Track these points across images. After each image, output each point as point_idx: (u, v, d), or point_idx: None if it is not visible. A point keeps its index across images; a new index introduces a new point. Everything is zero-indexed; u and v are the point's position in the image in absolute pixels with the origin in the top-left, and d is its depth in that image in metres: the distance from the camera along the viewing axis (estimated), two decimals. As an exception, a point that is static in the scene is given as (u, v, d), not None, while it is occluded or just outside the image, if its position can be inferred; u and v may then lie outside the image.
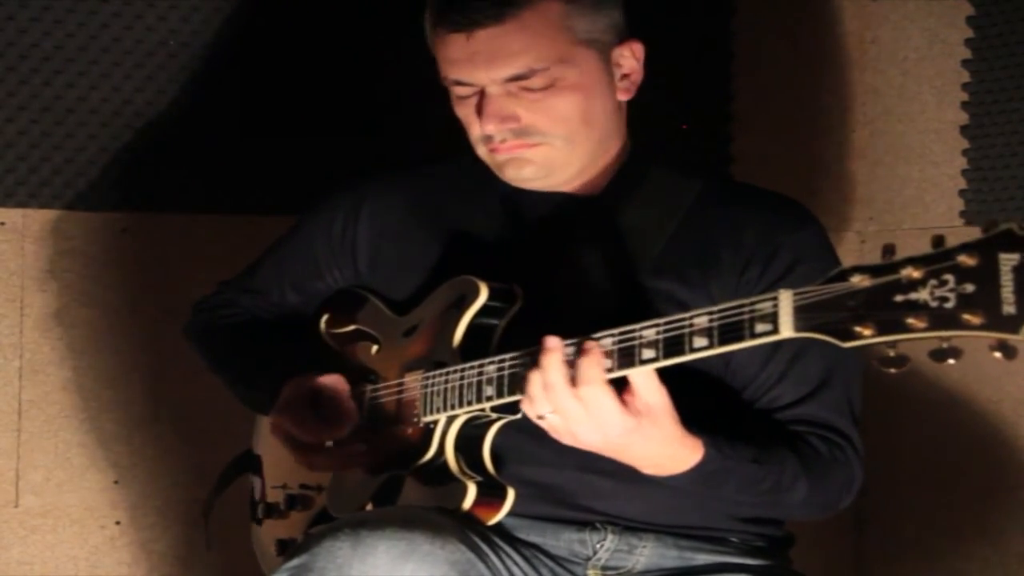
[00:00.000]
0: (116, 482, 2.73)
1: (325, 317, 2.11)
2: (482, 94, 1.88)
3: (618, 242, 1.92)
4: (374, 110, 2.76)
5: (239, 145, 2.71)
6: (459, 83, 1.90)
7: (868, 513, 3.00)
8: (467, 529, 1.78)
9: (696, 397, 1.70)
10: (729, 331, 1.51)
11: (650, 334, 1.58)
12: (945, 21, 2.87)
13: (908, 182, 2.97)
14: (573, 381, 1.60)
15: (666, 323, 1.57)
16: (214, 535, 2.26)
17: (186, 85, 2.70)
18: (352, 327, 2.05)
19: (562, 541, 1.87)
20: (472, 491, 1.78)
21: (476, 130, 1.91)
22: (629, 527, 1.87)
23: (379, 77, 2.76)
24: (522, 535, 1.87)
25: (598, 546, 1.86)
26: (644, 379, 1.61)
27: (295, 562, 1.69)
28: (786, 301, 1.46)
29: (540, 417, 1.64)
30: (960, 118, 2.83)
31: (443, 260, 1.98)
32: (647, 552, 1.87)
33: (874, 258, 1.40)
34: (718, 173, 1.97)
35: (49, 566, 2.70)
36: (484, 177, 2.00)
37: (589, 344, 1.61)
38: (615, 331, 1.61)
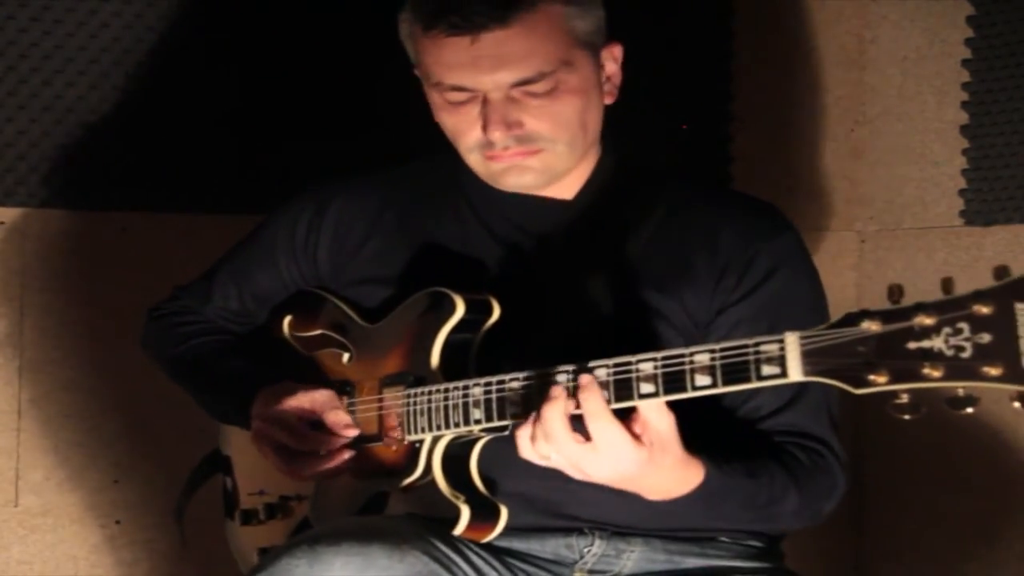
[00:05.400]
0: (116, 482, 2.73)
1: (288, 319, 2.04)
2: (484, 100, 1.80)
3: (592, 248, 1.89)
4: (373, 111, 2.76)
5: (240, 145, 2.71)
6: (457, 88, 1.81)
7: (868, 513, 3.00)
8: (433, 537, 1.75)
9: (685, 415, 1.69)
10: (733, 371, 1.49)
11: (647, 368, 1.56)
12: (945, 21, 2.87)
13: (908, 182, 2.97)
14: (579, 415, 1.56)
15: (664, 357, 1.55)
16: (187, 533, 2.24)
17: (187, 85, 2.69)
18: (318, 331, 1.99)
19: (548, 547, 1.85)
20: (465, 515, 1.76)
21: (471, 137, 1.84)
22: (617, 532, 1.84)
23: (377, 79, 2.76)
24: (505, 543, 1.84)
25: (585, 551, 1.84)
26: (655, 408, 1.58)
27: None
28: (793, 344, 1.44)
29: (545, 457, 1.61)
30: (960, 118, 2.83)
31: (413, 266, 1.94)
32: (635, 556, 1.84)
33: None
34: (691, 177, 1.93)
35: (49, 565, 2.70)
36: (453, 178, 1.95)
37: (585, 379, 1.58)
38: (609, 362, 1.59)
